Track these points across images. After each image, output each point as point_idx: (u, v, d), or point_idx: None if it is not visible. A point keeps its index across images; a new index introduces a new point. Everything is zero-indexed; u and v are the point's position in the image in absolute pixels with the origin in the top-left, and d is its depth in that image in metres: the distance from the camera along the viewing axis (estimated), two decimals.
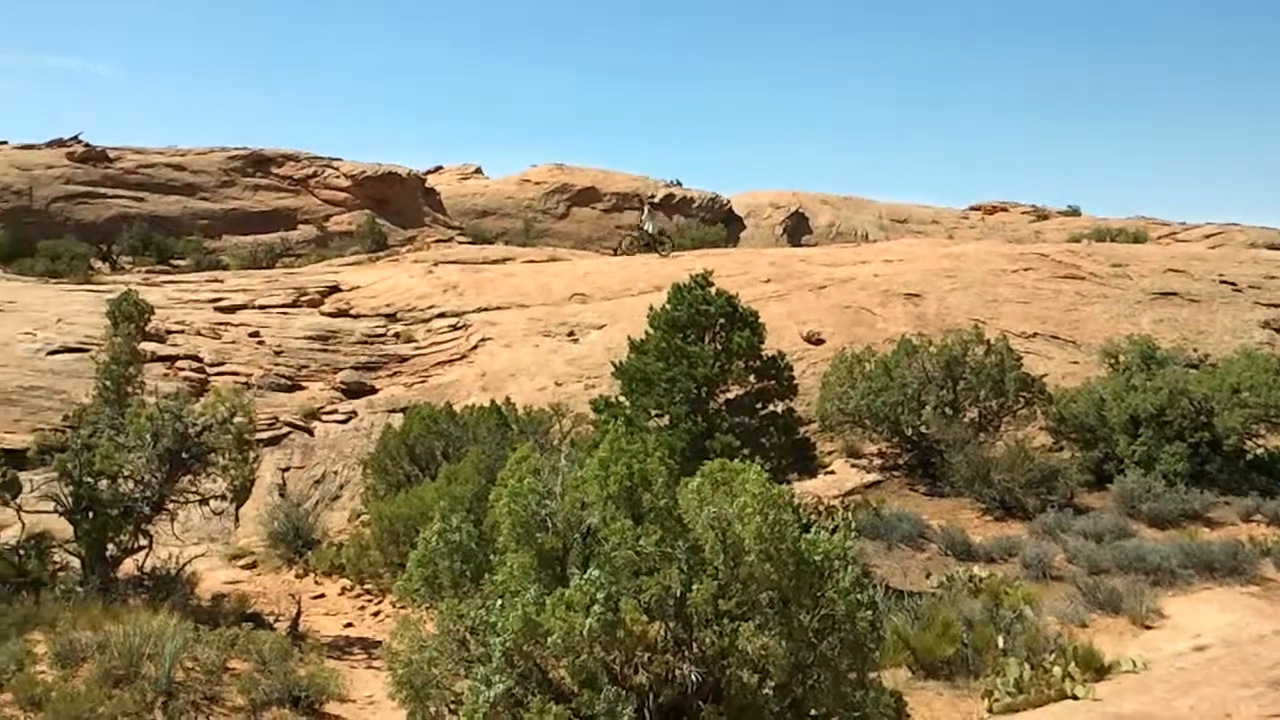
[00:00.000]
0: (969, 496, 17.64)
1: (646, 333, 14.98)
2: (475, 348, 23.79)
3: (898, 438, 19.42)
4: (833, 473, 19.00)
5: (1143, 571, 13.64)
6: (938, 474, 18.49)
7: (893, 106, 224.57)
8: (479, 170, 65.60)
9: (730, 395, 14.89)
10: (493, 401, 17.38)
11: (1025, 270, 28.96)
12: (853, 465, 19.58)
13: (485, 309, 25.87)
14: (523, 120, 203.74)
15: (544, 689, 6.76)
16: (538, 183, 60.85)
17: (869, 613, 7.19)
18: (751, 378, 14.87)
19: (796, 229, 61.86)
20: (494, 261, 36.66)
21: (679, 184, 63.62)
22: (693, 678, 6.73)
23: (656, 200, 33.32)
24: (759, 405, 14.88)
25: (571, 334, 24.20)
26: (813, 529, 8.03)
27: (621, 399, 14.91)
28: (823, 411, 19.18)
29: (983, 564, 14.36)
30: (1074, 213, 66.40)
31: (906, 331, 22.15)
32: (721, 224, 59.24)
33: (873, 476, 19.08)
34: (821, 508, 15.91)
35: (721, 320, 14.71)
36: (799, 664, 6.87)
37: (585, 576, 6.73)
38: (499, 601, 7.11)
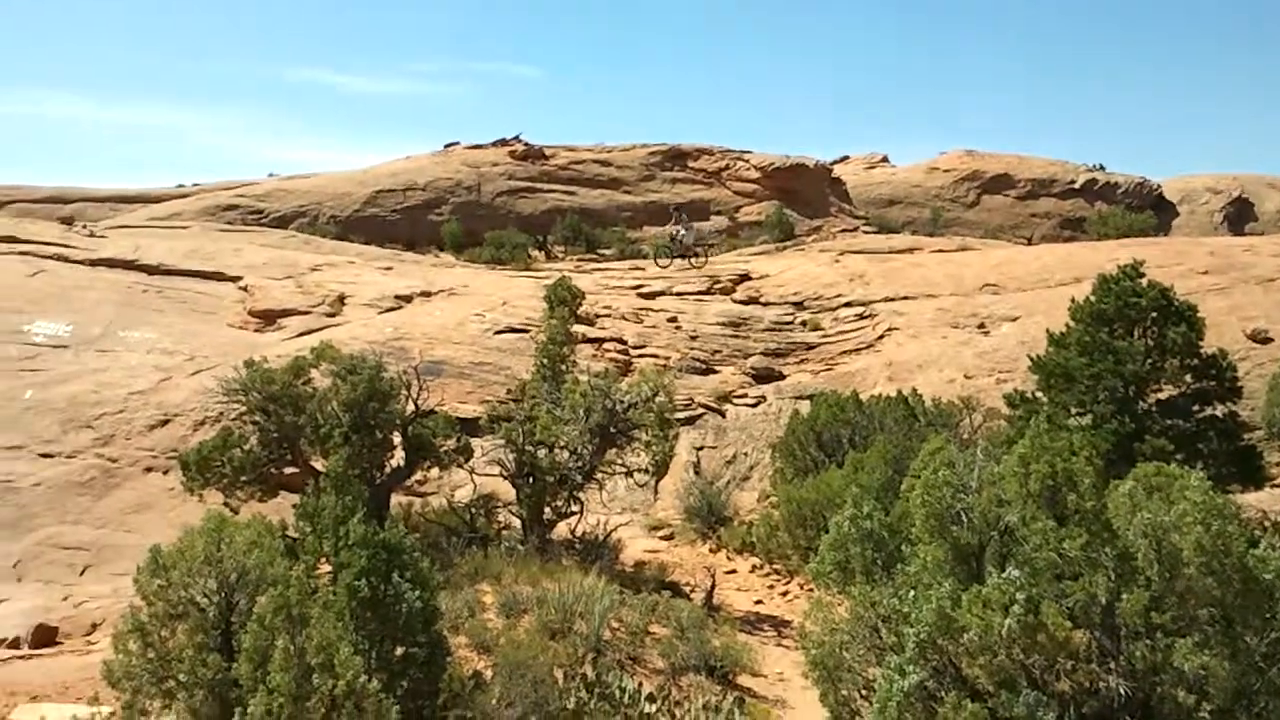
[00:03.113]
0: None
1: (1067, 325, 14.33)
2: (881, 337, 23.70)
3: None
4: None
5: None
6: None
7: None
8: (885, 159, 64.94)
9: (1162, 395, 13.93)
10: (899, 392, 17.29)
11: None
12: None
13: (892, 299, 25.64)
14: (932, 107, 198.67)
15: (958, 685, 6.69)
16: (946, 170, 59.28)
17: None
18: (1188, 377, 13.87)
19: (1239, 216, 56.01)
20: (900, 251, 36.20)
21: (1101, 168, 59.62)
22: (1121, 691, 6.41)
23: (688, 219, 31.32)
24: (1195, 407, 13.84)
25: (982, 325, 23.46)
26: (1260, 544, 7.37)
27: (1038, 394, 14.34)
28: (1270, 417, 17.45)
29: None
30: None
31: None
32: (1150, 211, 54.72)
33: None
34: (1267, 523, 14.42)
35: (1153, 314, 13.82)
36: (1243, 688, 6.35)
37: (1004, 575, 6.59)
38: (911, 592, 7.12)
